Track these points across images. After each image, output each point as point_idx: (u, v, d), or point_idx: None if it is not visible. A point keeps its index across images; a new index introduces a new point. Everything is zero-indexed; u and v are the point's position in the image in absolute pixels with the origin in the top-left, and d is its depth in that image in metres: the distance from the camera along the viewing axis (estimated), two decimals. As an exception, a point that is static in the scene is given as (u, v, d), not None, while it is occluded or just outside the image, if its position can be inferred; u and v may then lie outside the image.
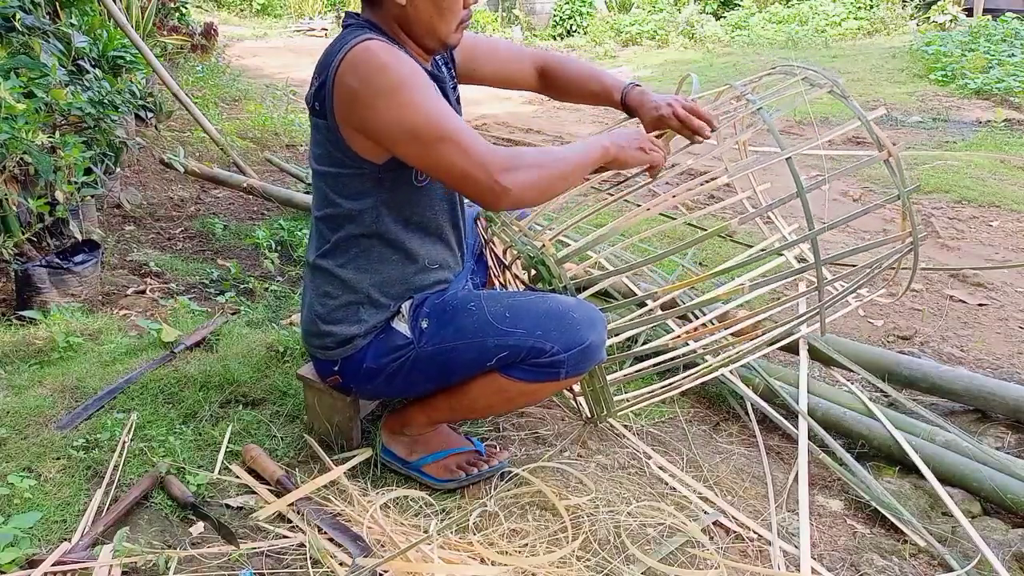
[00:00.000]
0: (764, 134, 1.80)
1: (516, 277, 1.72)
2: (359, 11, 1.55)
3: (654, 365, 1.97)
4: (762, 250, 2.45)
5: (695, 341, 2.07)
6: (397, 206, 1.55)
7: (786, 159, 1.65)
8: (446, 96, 1.57)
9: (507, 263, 1.75)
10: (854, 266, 2.55)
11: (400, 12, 1.48)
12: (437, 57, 1.63)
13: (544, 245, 1.62)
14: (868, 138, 1.81)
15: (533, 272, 1.64)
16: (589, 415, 1.87)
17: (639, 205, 1.84)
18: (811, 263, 1.70)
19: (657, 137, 1.75)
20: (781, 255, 2.50)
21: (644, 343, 2.18)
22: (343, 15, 1.57)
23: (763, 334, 1.98)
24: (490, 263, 1.91)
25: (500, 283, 1.89)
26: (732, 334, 2.06)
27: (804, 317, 1.97)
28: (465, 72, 1.76)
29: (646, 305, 2.23)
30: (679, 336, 2.16)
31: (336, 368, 1.63)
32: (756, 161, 1.81)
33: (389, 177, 1.51)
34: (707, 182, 1.69)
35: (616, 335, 2.07)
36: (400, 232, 1.57)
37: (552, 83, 1.89)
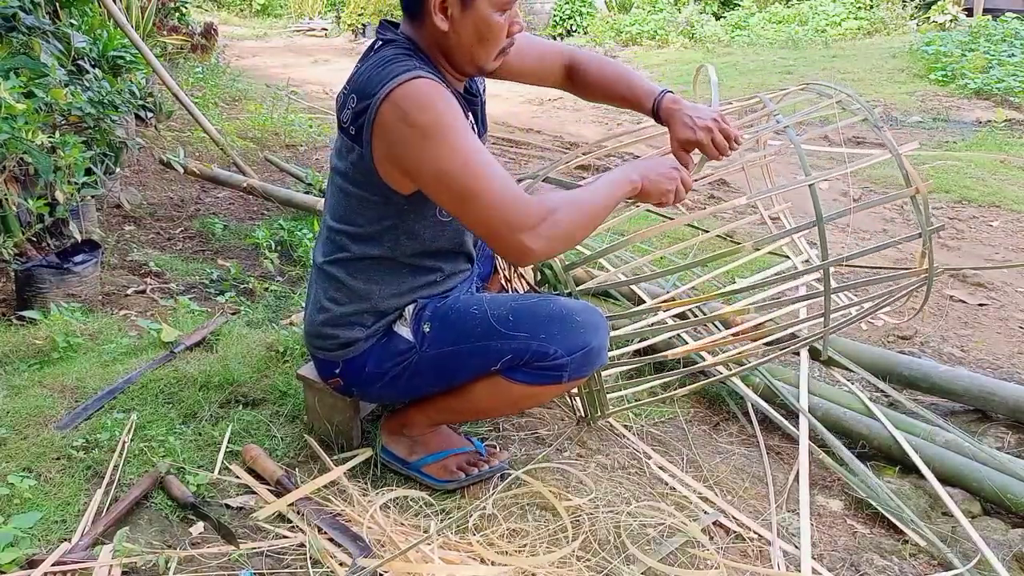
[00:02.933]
0: (781, 138, 1.80)
1: (521, 276, 1.72)
2: (397, 21, 1.51)
3: (655, 373, 1.97)
4: (774, 253, 2.46)
5: (695, 342, 2.07)
6: (418, 234, 1.54)
7: (808, 186, 1.65)
8: (477, 118, 1.56)
9: (512, 262, 1.75)
10: (864, 268, 2.56)
11: (441, 36, 1.44)
12: None
13: None
14: (868, 138, 1.80)
15: (539, 274, 1.65)
16: (584, 415, 1.87)
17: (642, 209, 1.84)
18: (820, 291, 1.70)
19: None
20: (787, 258, 2.50)
21: (641, 341, 2.18)
22: (379, 23, 1.53)
23: (765, 337, 1.98)
24: (497, 259, 1.91)
25: (505, 278, 1.88)
26: (734, 335, 2.06)
27: (808, 341, 1.97)
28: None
29: (652, 310, 2.23)
30: (677, 336, 2.16)
31: (338, 371, 1.63)
32: (778, 186, 1.81)
33: (413, 209, 1.50)
34: (720, 189, 1.69)
35: (618, 342, 2.07)
36: (417, 255, 1.56)
37: (580, 81, 1.80)
